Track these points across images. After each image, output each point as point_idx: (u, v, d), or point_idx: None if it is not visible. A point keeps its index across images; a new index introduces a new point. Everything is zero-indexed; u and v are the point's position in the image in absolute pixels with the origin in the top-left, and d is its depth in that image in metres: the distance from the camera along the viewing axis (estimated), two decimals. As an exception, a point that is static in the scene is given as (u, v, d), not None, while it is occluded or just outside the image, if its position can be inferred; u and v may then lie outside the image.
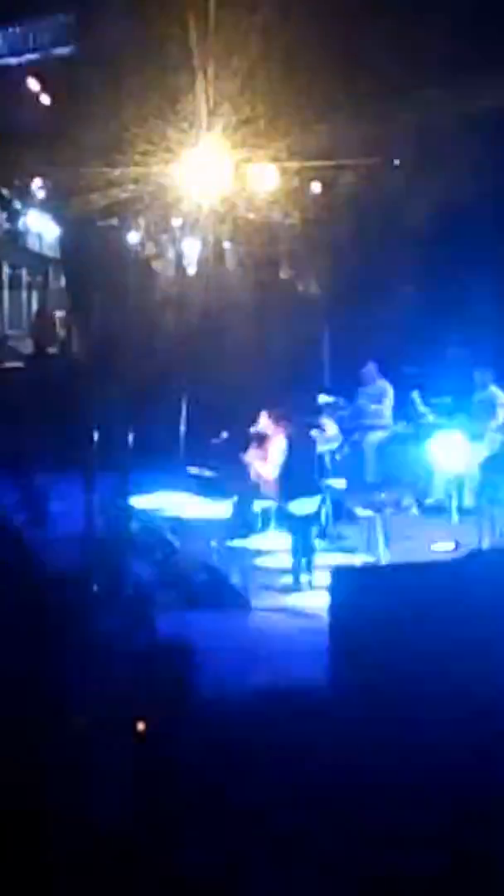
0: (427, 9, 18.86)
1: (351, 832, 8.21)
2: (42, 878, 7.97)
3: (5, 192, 27.44)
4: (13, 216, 28.45)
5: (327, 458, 16.45)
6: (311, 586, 14.24)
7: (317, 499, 14.94)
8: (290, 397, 15.88)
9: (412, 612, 9.40)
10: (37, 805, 8.35)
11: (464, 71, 18.46)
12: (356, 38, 18.74)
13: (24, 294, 31.16)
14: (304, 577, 14.39)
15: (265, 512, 15.27)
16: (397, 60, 18.55)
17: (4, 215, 28.34)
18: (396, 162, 19.21)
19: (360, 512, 15.59)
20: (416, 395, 18.29)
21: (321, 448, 15.56)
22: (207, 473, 15.45)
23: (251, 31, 19.00)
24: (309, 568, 14.46)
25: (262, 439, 15.49)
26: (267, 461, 15.18)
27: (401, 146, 18.83)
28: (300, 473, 14.82)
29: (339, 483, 16.25)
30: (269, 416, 15.38)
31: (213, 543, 14.54)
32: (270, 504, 15.11)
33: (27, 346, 27.81)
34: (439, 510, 17.07)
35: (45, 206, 26.58)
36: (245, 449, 15.50)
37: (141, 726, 8.95)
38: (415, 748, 8.68)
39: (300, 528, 14.70)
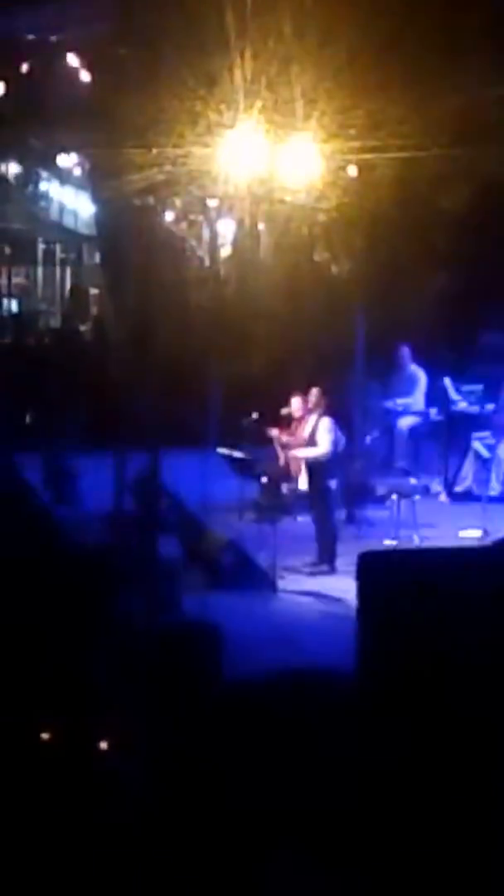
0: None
1: (374, 819, 8.20)
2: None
3: (42, 168, 27.52)
4: (49, 193, 28.51)
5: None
6: (335, 569, 14.24)
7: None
8: (325, 379, 15.84)
9: (439, 598, 9.40)
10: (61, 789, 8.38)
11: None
12: (395, 19, 18.63)
13: (58, 270, 31.18)
14: (330, 560, 14.40)
15: (292, 493, 15.25)
16: (437, 41, 18.44)
17: (41, 191, 28.42)
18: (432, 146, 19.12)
19: (389, 496, 15.56)
20: (447, 381, 18.24)
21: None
22: (237, 454, 15.43)
23: (289, 10, 18.92)
24: (335, 550, 14.46)
25: (291, 421, 15.47)
26: (299, 441, 15.13)
27: (439, 129, 18.71)
28: (338, 454, 14.89)
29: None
30: (303, 398, 15.33)
31: (242, 524, 14.54)
32: (304, 487, 15.09)
33: (60, 323, 27.85)
34: (468, 497, 17.03)
35: (81, 183, 26.62)
36: (277, 427, 15.47)
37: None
38: (443, 731, 8.67)
39: (330, 508, 14.73)
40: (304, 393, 15.36)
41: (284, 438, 15.40)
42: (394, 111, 18.50)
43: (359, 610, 9.90)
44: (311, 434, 14.98)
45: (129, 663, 9.48)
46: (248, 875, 7.97)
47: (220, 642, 10.19)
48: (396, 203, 19.70)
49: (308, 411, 15.21)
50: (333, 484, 15.05)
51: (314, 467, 14.87)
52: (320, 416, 15.05)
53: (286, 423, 15.48)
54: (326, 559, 14.46)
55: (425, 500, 16.08)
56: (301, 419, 15.32)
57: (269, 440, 15.56)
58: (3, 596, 10.38)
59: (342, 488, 15.81)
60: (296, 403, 15.42)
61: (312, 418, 15.10)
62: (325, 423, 15.00)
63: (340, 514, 15.76)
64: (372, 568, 10.33)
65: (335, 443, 14.95)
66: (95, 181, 23.56)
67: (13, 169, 27.53)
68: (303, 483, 14.99)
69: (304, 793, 8.45)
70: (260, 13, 19.00)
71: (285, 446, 15.37)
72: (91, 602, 10.88)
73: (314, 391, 15.18)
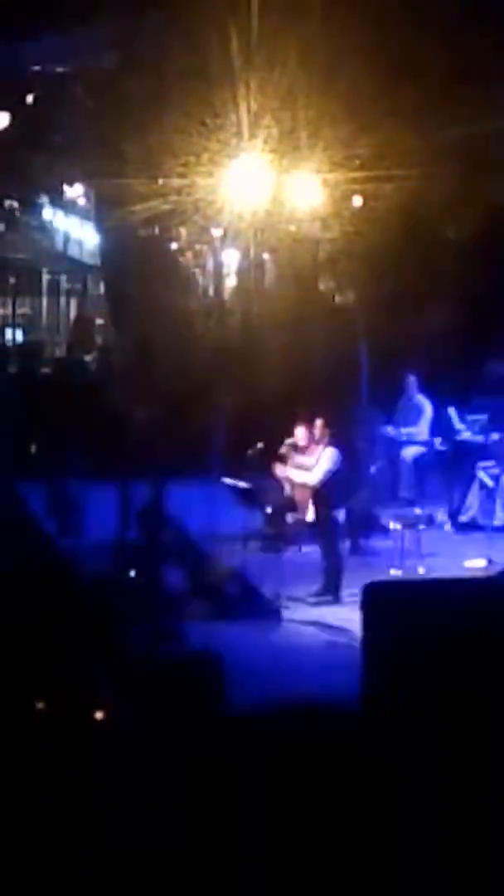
0: (468, 22, 18.84)
1: (377, 851, 8.16)
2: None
3: (47, 198, 27.60)
4: (54, 223, 28.58)
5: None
6: (340, 599, 14.21)
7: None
8: (330, 409, 15.84)
9: (445, 628, 9.35)
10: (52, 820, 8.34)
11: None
12: (398, 51, 18.72)
13: (63, 301, 31.23)
14: (335, 590, 14.36)
15: (297, 524, 15.23)
16: (441, 71, 18.52)
17: (46, 221, 28.49)
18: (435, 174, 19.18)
19: (394, 526, 15.54)
20: (452, 411, 18.22)
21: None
22: (242, 484, 15.41)
23: (293, 43, 19.01)
24: (340, 580, 14.43)
25: (297, 450, 15.45)
26: (306, 471, 15.12)
27: (442, 159, 18.77)
28: (344, 483, 14.90)
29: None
30: (308, 428, 15.33)
31: (246, 554, 14.51)
32: (310, 518, 15.07)
33: (64, 353, 27.87)
34: (473, 527, 16.98)
35: (86, 213, 26.69)
36: (278, 460, 15.46)
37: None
38: (448, 764, 8.63)
39: (335, 538, 14.72)
40: (309, 423, 15.36)
41: (287, 469, 15.37)
42: (398, 141, 18.58)
43: (363, 640, 9.86)
44: (313, 463, 14.99)
45: (132, 693, 9.44)
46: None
47: (224, 672, 10.14)
48: (401, 232, 19.76)
49: (313, 441, 15.21)
50: (340, 514, 15.04)
51: (320, 497, 14.87)
52: (325, 446, 15.05)
53: (293, 452, 15.46)
54: (331, 589, 14.42)
55: (430, 529, 16.04)
56: (306, 448, 15.31)
57: (273, 471, 15.54)
58: (5, 625, 10.35)
59: (347, 518, 15.79)
60: (300, 433, 15.42)
61: (318, 449, 15.10)
62: (328, 454, 15.00)
63: (345, 544, 15.73)
64: (377, 598, 10.29)
65: (333, 472, 14.94)
66: (100, 211, 23.65)
67: (18, 199, 27.60)
68: (310, 514, 14.98)
69: (307, 825, 8.40)
70: (264, 45, 19.11)
71: (288, 477, 15.34)
72: (94, 632, 10.84)
73: (318, 422, 15.19)
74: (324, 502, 14.85)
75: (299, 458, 15.26)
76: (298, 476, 15.03)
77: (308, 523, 15.06)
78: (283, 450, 15.42)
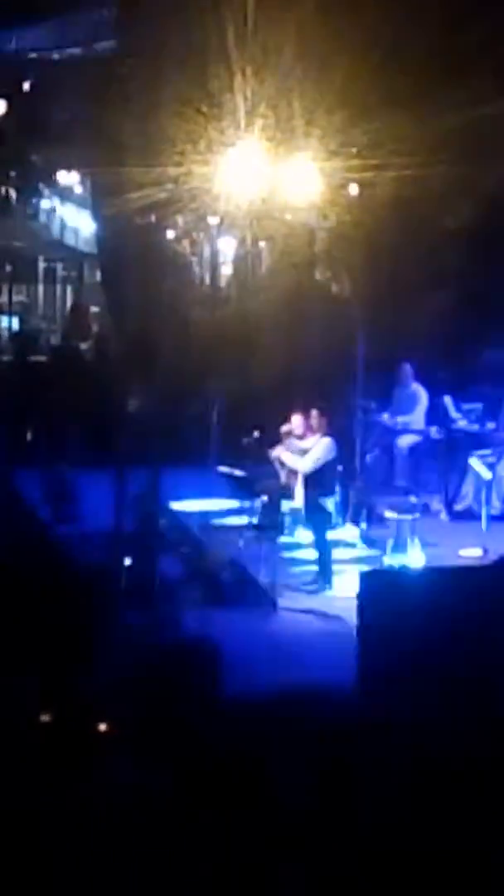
0: (467, 8, 18.81)
1: (376, 835, 8.18)
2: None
3: (43, 186, 27.57)
4: (50, 211, 28.55)
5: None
6: (332, 587, 14.25)
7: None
8: (326, 398, 15.87)
9: (440, 616, 9.38)
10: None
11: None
12: (395, 37, 18.68)
13: (59, 288, 31.19)
14: (326, 578, 14.41)
15: (293, 512, 15.25)
16: (438, 59, 18.49)
17: (42, 209, 28.45)
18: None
19: (389, 515, 15.55)
20: (448, 400, 18.22)
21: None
22: (238, 473, 15.43)
23: (290, 30, 18.97)
24: (329, 568, 14.48)
25: (290, 438, 15.47)
26: (299, 456, 15.15)
27: (439, 147, 18.74)
28: (335, 473, 14.95)
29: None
30: (304, 416, 15.34)
31: (241, 543, 14.53)
32: (299, 505, 15.09)
33: (60, 341, 27.85)
34: (468, 516, 17.00)
35: (82, 201, 26.66)
36: (275, 443, 15.48)
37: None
38: (443, 750, 8.65)
39: (326, 527, 14.76)
40: (305, 411, 15.38)
41: (283, 455, 15.39)
42: (395, 129, 18.54)
43: (359, 629, 9.88)
44: (306, 451, 15.03)
45: (129, 681, 9.46)
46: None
47: (220, 660, 10.17)
48: (397, 221, 19.73)
49: (309, 430, 15.23)
50: (329, 502, 15.07)
51: (309, 484, 14.90)
52: (322, 435, 15.08)
53: (287, 440, 15.48)
54: (323, 577, 14.45)
55: (425, 518, 16.06)
56: (301, 437, 15.34)
57: (269, 459, 15.55)
58: (3, 613, 10.38)
59: (342, 506, 15.82)
60: (296, 421, 15.44)
61: (314, 438, 15.12)
62: (323, 443, 15.04)
63: (340, 533, 15.76)
64: (372, 587, 10.32)
65: (326, 462, 14.97)
66: (97, 199, 23.59)
67: (14, 187, 27.57)
68: (298, 500, 15.02)
69: (303, 810, 8.43)
70: (261, 32, 19.06)
71: (283, 464, 15.36)
72: (91, 620, 10.86)
73: (313, 412, 15.22)
74: (313, 490, 14.89)
75: (295, 443, 15.29)
76: (290, 460, 15.05)
77: (304, 509, 15.08)
78: (283, 428, 15.43)
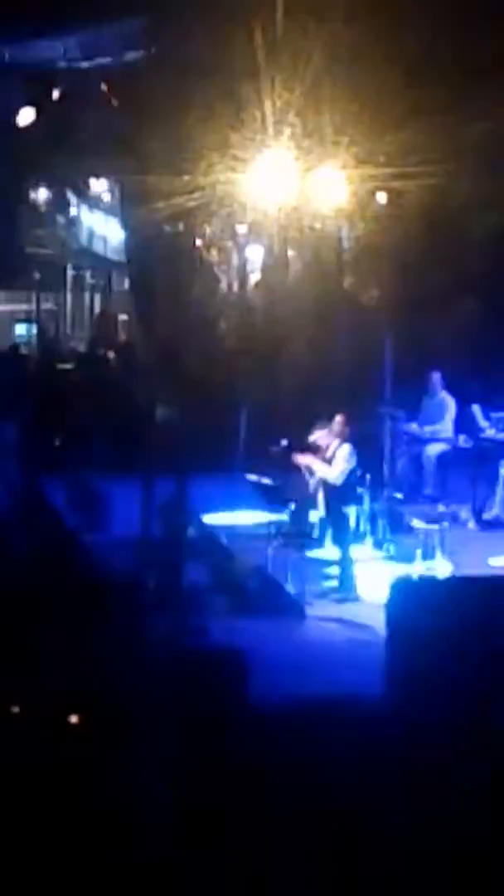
0: (494, 17, 18.79)
1: (404, 843, 8.16)
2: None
3: (71, 194, 27.65)
4: (78, 219, 28.63)
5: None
6: (357, 596, 14.24)
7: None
8: (354, 407, 15.84)
9: (469, 625, 9.36)
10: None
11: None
12: (422, 47, 18.68)
13: (87, 296, 31.27)
14: (350, 586, 14.40)
15: (322, 521, 15.23)
16: (466, 68, 18.48)
17: (71, 217, 28.53)
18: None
19: (418, 524, 15.53)
20: (476, 408, 18.19)
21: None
22: (266, 481, 15.42)
23: (319, 38, 18.99)
24: (352, 576, 14.47)
25: (318, 448, 15.44)
26: (329, 465, 15.13)
27: (467, 156, 18.73)
28: (354, 480, 14.94)
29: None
30: (329, 427, 15.31)
31: (269, 550, 14.52)
32: (322, 513, 15.06)
33: (87, 348, 27.93)
34: (497, 525, 16.96)
35: (110, 209, 26.72)
36: (305, 449, 15.45)
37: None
38: (471, 760, 8.63)
39: (348, 535, 14.75)
40: (331, 420, 15.36)
41: (310, 462, 15.36)
42: (423, 138, 18.53)
43: (388, 637, 9.87)
44: (331, 459, 15.00)
45: (156, 689, 9.46)
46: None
47: (248, 668, 10.16)
48: (426, 229, 19.72)
49: (333, 438, 15.21)
50: (352, 510, 15.06)
51: (331, 493, 14.88)
52: (342, 442, 15.05)
53: (313, 449, 15.46)
54: (347, 585, 14.43)
55: (454, 527, 16.03)
56: (327, 446, 15.31)
57: (298, 467, 15.53)
58: (31, 620, 10.39)
59: (370, 515, 15.79)
60: (321, 430, 15.42)
61: (335, 444, 15.10)
62: (345, 450, 15.00)
63: (368, 541, 15.74)
64: (401, 595, 10.31)
65: (351, 471, 14.95)
66: (125, 207, 23.65)
67: (43, 195, 27.66)
68: (321, 509, 15.00)
69: (333, 818, 8.41)
70: (289, 41, 19.08)
71: (312, 472, 15.33)
72: (118, 627, 10.86)
73: (338, 418, 15.19)
74: (335, 498, 14.87)
75: (320, 453, 15.26)
76: (321, 469, 15.00)
77: (329, 518, 15.06)
78: (311, 437, 15.37)
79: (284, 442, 15.99)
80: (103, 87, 22.28)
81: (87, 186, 26.72)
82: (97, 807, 8.38)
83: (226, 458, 16.94)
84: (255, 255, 23.23)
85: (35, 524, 15.44)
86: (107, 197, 26.69)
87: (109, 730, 8.93)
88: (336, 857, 8.16)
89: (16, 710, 9.19)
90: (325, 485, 14.95)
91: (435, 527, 15.25)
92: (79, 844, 8.12)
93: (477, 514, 17.27)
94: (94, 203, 27.92)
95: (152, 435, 15.79)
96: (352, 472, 15.06)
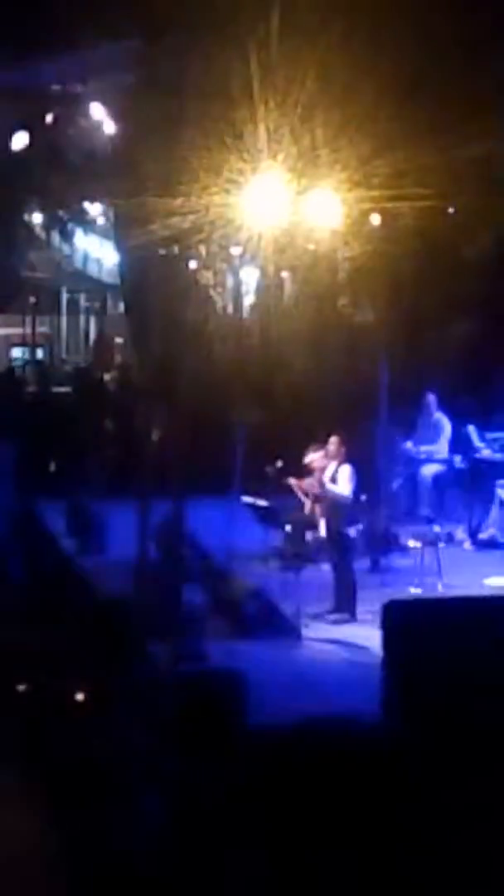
0: (490, 39, 18.85)
1: (402, 867, 8.14)
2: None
3: (66, 217, 27.67)
4: (73, 242, 28.65)
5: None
6: (355, 617, 14.21)
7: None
8: (349, 427, 15.85)
9: (465, 646, 9.35)
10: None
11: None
12: (417, 69, 18.73)
13: (82, 319, 31.30)
14: (349, 607, 14.37)
15: (318, 541, 15.22)
16: (461, 90, 18.53)
17: (65, 240, 28.55)
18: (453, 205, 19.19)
19: (413, 544, 15.53)
20: (471, 429, 18.22)
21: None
22: (262, 503, 15.42)
23: (313, 60, 19.03)
24: (353, 597, 14.44)
25: (314, 470, 15.43)
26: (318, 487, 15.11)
27: (463, 178, 18.76)
28: (357, 501, 14.93)
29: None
30: (325, 449, 15.31)
31: (266, 572, 14.51)
32: (322, 534, 15.06)
33: (84, 372, 27.94)
34: (493, 545, 16.97)
35: (105, 232, 26.75)
36: (304, 472, 15.45)
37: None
38: (470, 781, 8.61)
39: (348, 555, 14.74)
40: (326, 441, 15.36)
41: (305, 485, 15.34)
42: (417, 160, 18.56)
43: (384, 659, 9.86)
44: (332, 481, 14.97)
45: (153, 711, 9.45)
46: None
47: (245, 690, 10.15)
48: (420, 251, 19.76)
49: (329, 459, 15.20)
50: (352, 531, 15.04)
51: (331, 514, 14.87)
52: (340, 463, 15.04)
53: (308, 472, 15.43)
54: (346, 607, 14.41)
55: (449, 547, 16.03)
56: (323, 468, 15.29)
57: (292, 489, 15.52)
58: (27, 643, 10.38)
59: (366, 536, 15.78)
60: (317, 451, 15.41)
61: (332, 466, 15.08)
62: (346, 471, 15.00)
63: (364, 562, 15.73)
64: (397, 616, 10.30)
65: (354, 491, 14.96)
66: (119, 230, 23.67)
67: (37, 218, 27.69)
68: (322, 530, 14.98)
69: (330, 841, 8.39)
70: (283, 63, 19.12)
71: (308, 494, 15.32)
72: (115, 650, 10.85)
73: (333, 439, 15.19)
74: (335, 519, 14.86)
75: (317, 474, 15.23)
76: (335, 489, 14.95)
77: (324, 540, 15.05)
78: (307, 459, 15.34)
79: (280, 463, 16.01)
80: (98, 109, 22.32)
81: (82, 209, 26.75)
82: (93, 830, 8.36)
83: (222, 481, 16.94)
84: (249, 277, 23.26)
85: (31, 548, 15.44)
86: (101, 219, 26.73)
87: (107, 752, 8.92)
88: (334, 878, 8.14)
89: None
90: (326, 506, 14.93)
91: (430, 547, 15.25)
92: (73, 874, 8.10)
93: (472, 534, 17.29)
94: (88, 226, 27.96)
95: (148, 457, 15.80)
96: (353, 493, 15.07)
